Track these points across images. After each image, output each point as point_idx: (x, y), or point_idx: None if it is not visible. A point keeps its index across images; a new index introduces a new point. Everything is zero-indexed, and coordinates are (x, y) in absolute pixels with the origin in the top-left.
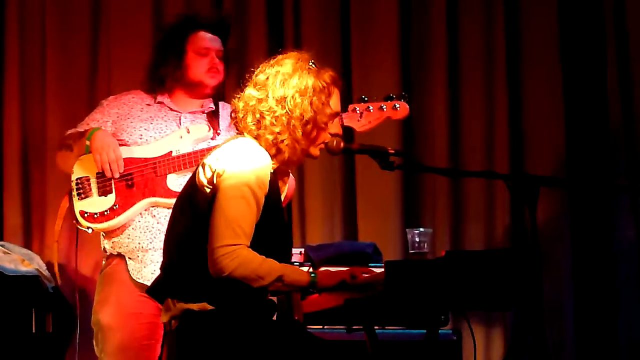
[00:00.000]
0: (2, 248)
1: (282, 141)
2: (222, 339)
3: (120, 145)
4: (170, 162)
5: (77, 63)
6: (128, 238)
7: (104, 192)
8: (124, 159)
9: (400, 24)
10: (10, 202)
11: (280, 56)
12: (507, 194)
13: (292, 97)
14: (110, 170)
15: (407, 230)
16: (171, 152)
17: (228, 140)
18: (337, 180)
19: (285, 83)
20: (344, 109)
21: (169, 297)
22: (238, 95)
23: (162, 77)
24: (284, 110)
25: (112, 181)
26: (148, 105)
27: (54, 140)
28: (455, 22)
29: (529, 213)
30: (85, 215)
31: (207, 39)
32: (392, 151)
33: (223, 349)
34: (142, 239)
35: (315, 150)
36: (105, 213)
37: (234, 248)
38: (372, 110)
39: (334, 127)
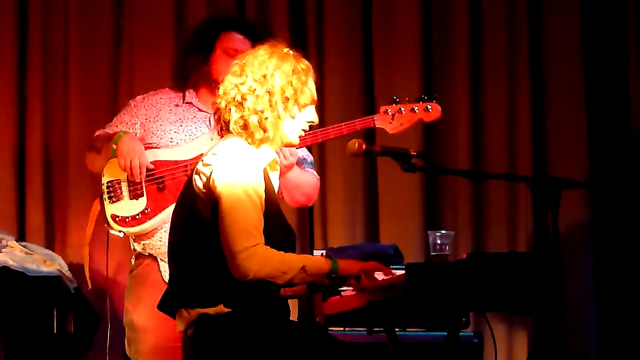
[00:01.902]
0: (24, 249)
1: (266, 118)
2: (241, 341)
3: (151, 148)
4: None
5: (99, 67)
6: (160, 241)
7: (135, 195)
8: (154, 162)
9: (421, 25)
10: (32, 203)
11: (255, 47)
12: (529, 197)
13: (272, 74)
14: (133, 175)
15: (429, 233)
16: (202, 154)
17: (218, 142)
18: (359, 182)
19: (263, 64)
20: (373, 111)
21: (182, 308)
22: (218, 94)
23: (188, 70)
24: (264, 88)
25: (144, 184)
26: (176, 106)
27: (76, 142)
28: (477, 23)
29: (551, 216)
30: (117, 219)
31: (238, 41)
32: (414, 153)
33: (243, 351)
34: None
35: (294, 136)
36: (137, 217)
37: (253, 250)
38: (403, 112)
39: (312, 115)
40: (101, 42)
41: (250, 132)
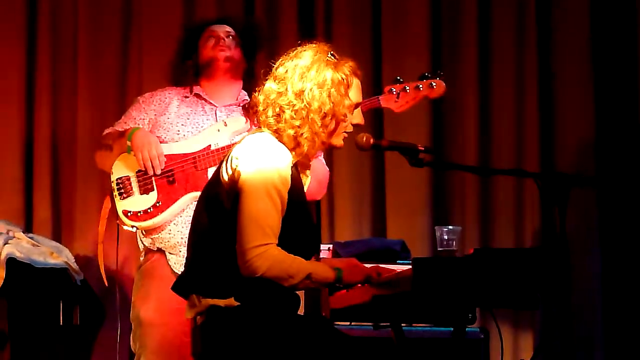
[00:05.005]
0: (32, 240)
1: (302, 134)
2: (249, 335)
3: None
4: (210, 156)
5: (108, 60)
6: (169, 234)
7: (145, 190)
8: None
9: (431, 20)
10: (40, 195)
11: (299, 48)
12: (536, 193)
13: (311, 89)
14: (152, 167)
15: (436, 228)
16: (210, 145)
17: (248, 135)
18: (366, 177)
19: (303, 76)
20: (380, 91)
21: (193, 293)
22: (259, 89)
23: (187, 70)
24: (303, 104)
25: (153, 178)
26: (185, 97)
27: (85, 135)
28: (486, 17)
29: (558, 212)
30: (129, 214)
31: (215, 26)
32: (422, 148)
33: (250, 345)
34: (185, 233)
35: (337, 140)
36: (149, 210)
37: (265, 248)
38: (408, 91)
39: (356, 118)
40: (110, 37)
41: (283, 141)
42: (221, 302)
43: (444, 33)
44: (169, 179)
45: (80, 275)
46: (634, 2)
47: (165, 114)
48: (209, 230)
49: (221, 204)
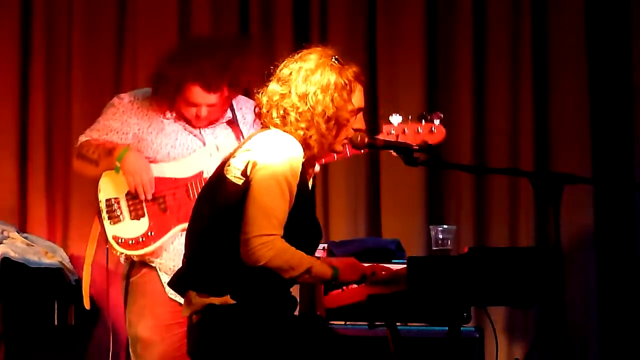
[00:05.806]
0: (26, 240)
1: (310, 137)
2: (244, 333)
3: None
4: (203, 184)
5: (103, 58)
6: (161, 259)
7: (136, 215)
8: (154, 178)
9: (426, 21)
10: (34, 195)
11: (304, 51)
12: (531, 192)
13: (314, 93)
14: (144, 192)
15: (431, 227)
16: (202, 172)
17: (258, 132)
18: (362, 176)
19: (307, 79)
20: (377, 131)
21: (189, 290)
22: (262, 90)
23: (163, 98)
24: (307, 107)
25: (144, 203)
26: (166, 118)
27: (79, 134)
28: (481, 18)
29: (552, 211)
30: (120, 241)
31: (198, 94)
32: (417, 147)
33: (246, 344)
34: (177, 260)
35: (338, 146)
36: (141, 240)
37: (271, 238)
38: (407, 133)
39: (357, 123)
40: (105, 37)
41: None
42: (217, 300)
43: (440, 32)
44: (160, 205)
45: (75, 275)
46: (628, 1)
47: (151, 132)
48: (210, 227)
49: (226, 199)
